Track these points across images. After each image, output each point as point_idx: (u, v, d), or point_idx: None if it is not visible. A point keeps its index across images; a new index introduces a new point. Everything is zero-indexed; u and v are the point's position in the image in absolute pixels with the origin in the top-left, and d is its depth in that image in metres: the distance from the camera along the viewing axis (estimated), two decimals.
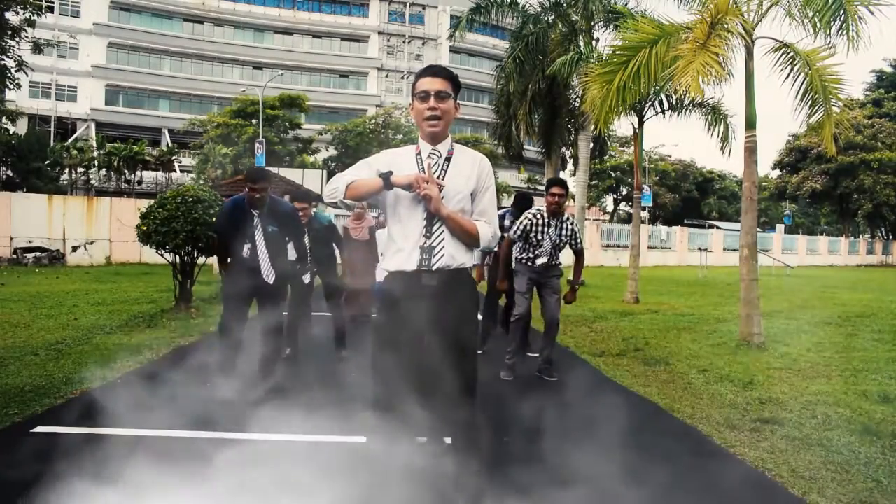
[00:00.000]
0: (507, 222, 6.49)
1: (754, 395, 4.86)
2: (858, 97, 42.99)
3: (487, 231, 2.43)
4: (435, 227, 2.36)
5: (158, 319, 7.70)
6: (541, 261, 5.28)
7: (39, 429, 3.59)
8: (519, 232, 5.27)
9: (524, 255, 5.35)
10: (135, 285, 11.99)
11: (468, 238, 2.40)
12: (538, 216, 5.26)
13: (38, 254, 17.61)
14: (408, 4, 50.45)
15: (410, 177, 2.30)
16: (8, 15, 19.71)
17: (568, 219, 5.33)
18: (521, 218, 5.32)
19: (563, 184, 5.28)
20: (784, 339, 7.40)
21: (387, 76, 50.26)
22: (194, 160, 37.45)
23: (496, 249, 6.63)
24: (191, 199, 8.00)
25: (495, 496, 2.70)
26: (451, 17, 39.93)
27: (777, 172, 45.70)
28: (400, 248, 2.40)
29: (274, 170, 23.43)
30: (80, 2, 43.44)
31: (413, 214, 2.37)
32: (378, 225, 10.51)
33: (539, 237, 5.24)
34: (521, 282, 5.39)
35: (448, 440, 2.63)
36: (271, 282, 4.51)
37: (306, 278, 5.69)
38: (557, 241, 5.29)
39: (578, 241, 5.41)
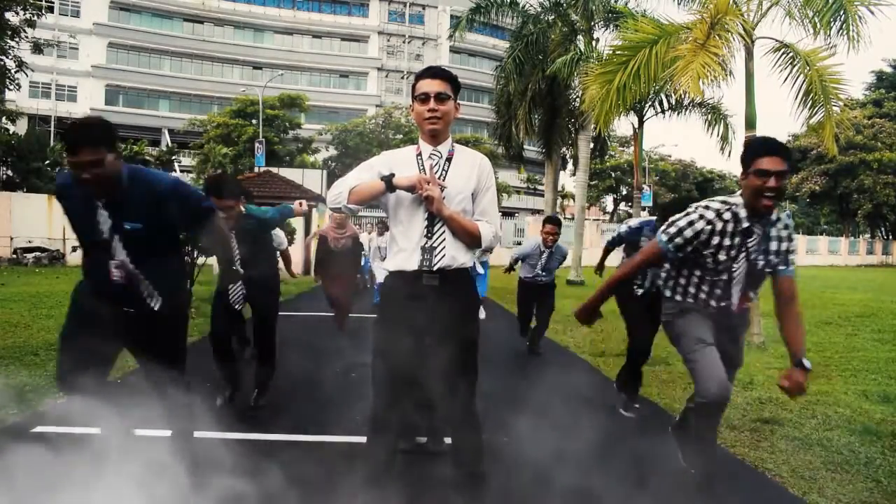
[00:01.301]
0: (644, 241, 4.22)
1: (754, 395, 4.86)
2: (858, 97, 43.00)
3: (488, 231, 2.44)
4: (436, 228, 2.37)
5: None
6: (725, 301, 2.80)
7: (39, 429, 3.59)
8: (680, 239, 2.74)
9: (692, 286, 2.87)
10: None
11: (469, 238, 2.40)
12: (726, 212, 2.70)
13: (38, 254, 17.62)
14: (408, 4, 50.43)
15: (412, 178, 2.30)
16: (8, 15, 19.69)
17: (779, 220, 2.75)
18: (691, 213, 2.76)
19: (785, 151, 2.63)
20: None
21: (387, 76, 50.24)
22: (194, 160, 37.43)
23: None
24: None
25: (494, 497, 2.70)
26: (451, 17, 39.90)
27: None
28: (401, 248, 2.41)
29: (274, 170, 23.42)
30: (80, 2, 43.43)
31: (414, 215, 2.38)
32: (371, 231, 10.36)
33: (725, 255, 2.72)
34: (694, 329, 2.82)
35: (448, 440, 2.63)
36: (156, 307, 2.64)
37: (236, 298, 4.04)
38: (762, 262, 2.73)
39: (791, 260, 2.78)
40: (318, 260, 7.57)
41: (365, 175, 2.42)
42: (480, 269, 6.89)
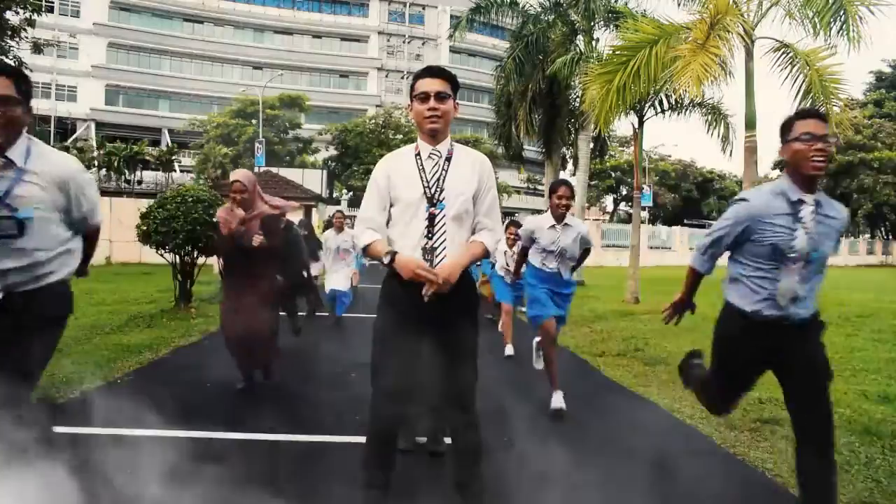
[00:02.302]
0: None
1: (754, 395, 4.85)
2: (859, 97, 43.00)
3: (492, 241, 2.47)
4: (436, 229, 2.37)
5: (158, 319, 7.70)
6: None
7: None
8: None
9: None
10: (135, 285, 11.99)
11: (482, 257, 2.48)
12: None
13: None
14: (408, 4, 50.43)
15: (409, 271, 2.26)
16: (8, 15, 19.68)
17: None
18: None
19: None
20: None
21: (387, 76, 50.24)
22: (194, 160, 37.45)
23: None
24: (191, 199, 8.02)
25: (494, 497, 2.70)
26: (451, 17, 39.91)
27: (777, 172, 45.67)
28: (400, 248, 2.40)
29: (274, 170, 23.37)
30: (80, 2, 43.44)
31: (415, 216, 2.38)
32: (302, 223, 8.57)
33: None
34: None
35: (448, 440, 2.63)
36: None
37: None
38: None
39: None
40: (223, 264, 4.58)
41: (375, 201, 2.44)
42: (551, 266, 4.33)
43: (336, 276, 7.85)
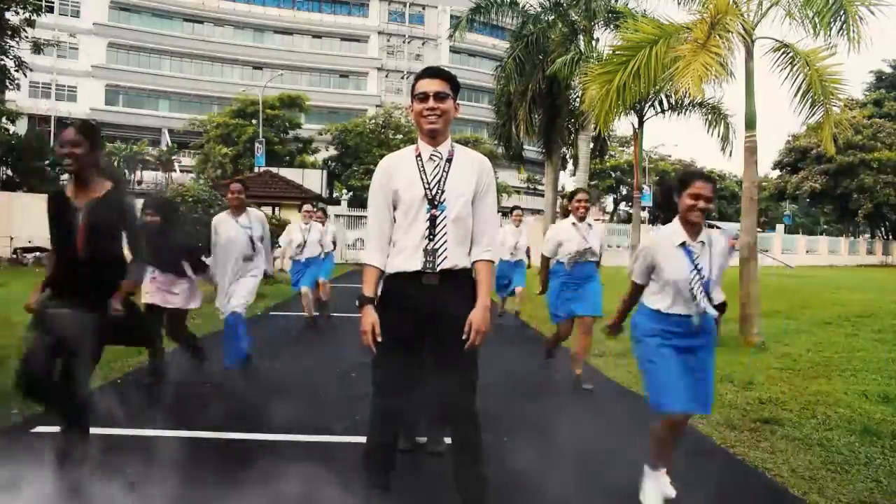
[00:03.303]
0: None
1: (754, 395, 4.86)
2: (858, 97, 42.95)
3: (496, 256, 2.51)
4: (438, 230, 2.36)
5: None
6: None
7: (39, 429, 3.59)
8: None
9: None
10: None
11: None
12: None
13: (38, 254, 17.59)
14: (408, 4, 50.42)
15: (364, 322, 2.36)
16: (8, 15, 19.66)
17: None
18: None
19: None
20: (784, 339, 7.39)
21: (387, 76, 50.22)
22: (194, 160, 37.42)
23: None
24: (191, 200, 8.04)
25: (494, 496, 2.70)
26: (451, 17, 39.87)
27: (777, 172, 45.65)
28: (401, 248, 2.40)
29: (274, 170, 23.36)
30: (80, 2, 43.45)
31: (416, 218, 2.38)
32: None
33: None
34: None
35: (448, 440, 2.63)
36: None
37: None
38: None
39: None
40: None
41: (381, 205, 2.44)
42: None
43: (229, 288, 4.75)
